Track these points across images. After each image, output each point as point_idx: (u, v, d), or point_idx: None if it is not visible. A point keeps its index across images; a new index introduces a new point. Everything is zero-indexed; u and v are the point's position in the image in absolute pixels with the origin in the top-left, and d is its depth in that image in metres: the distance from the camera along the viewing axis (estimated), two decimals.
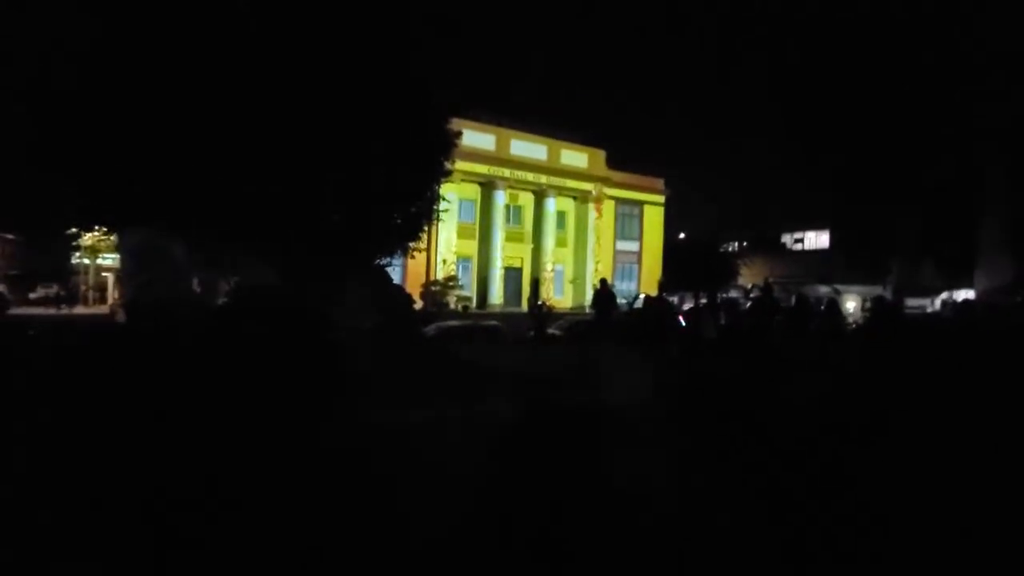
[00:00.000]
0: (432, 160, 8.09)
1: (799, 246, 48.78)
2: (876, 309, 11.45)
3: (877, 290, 26.50)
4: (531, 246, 33.25)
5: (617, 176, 35.62)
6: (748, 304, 15.37)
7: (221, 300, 10.64)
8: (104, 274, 27.59)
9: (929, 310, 25.24)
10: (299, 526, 3.25)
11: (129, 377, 5.58)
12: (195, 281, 10.55)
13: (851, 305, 27.66)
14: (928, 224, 26.53)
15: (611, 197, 35.74)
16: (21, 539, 2.97)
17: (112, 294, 25.84)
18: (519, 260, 32.97)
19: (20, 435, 4.56)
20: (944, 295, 26.94)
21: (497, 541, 3.21)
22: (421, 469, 4.39)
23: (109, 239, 22.98)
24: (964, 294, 24.51)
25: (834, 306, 12.06)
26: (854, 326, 15.31)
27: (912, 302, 23.55)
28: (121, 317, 11.34)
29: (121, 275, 14.78)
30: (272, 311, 7.24)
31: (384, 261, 8.96)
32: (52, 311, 22.54)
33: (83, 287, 27.43)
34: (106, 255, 25.97)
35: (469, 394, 6.66)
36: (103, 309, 23.72)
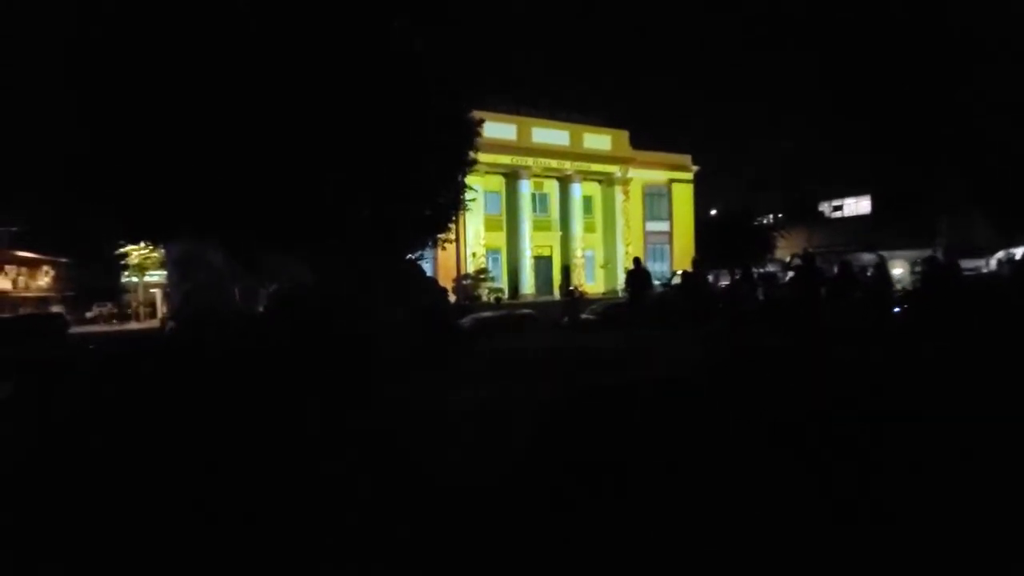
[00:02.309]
0: (456, 151, 8.10)
1: (838, 213, 46.86)
2: (927, 271, 10.88)
3: (926, 254, 25.22)
4: (559, 233, 33.04)
5: (642, 156, 34.95)
6: (789, 276, 14.89)
7: (261, 307, 10.97)
8: (152, 290, 28.84)
9: (984, 270, 23.87)
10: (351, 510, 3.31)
11: (187, 383, 5.81)
12: (236, 290, 10.93)
13: (898, 271, 26.40)
14: (979, 179, 24.97)
15: (638, 178, 35.15)
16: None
17: (161, 309, 26.98)
18: (548, 248, 32.83)
19: (92, 436, 4.81)
20: (1000, 253, 25.41)
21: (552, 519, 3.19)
22: (477, 447, 4.42)
23: (154, 255, 24.02)
24: (1021, 251, 23.06)
25: (883, 268, 11.54)
26: (903, 293, 14.63)
27: (966, 263, 22.31)
28: (173, 328, 11.82)
29: (167, 287, 15.42)
30: (310, 311, 7.41)
31: (416, 255, 9.05)
32: (107, 328, 23.71)
33: (134, 304, 28.74)
34: (152, 272, 27.13)
35: (513, 377, 6.67)
36: (154, 323, 24.79)
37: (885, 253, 30.16)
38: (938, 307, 9.70)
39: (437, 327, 8.03)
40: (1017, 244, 24.79)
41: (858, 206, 45.32)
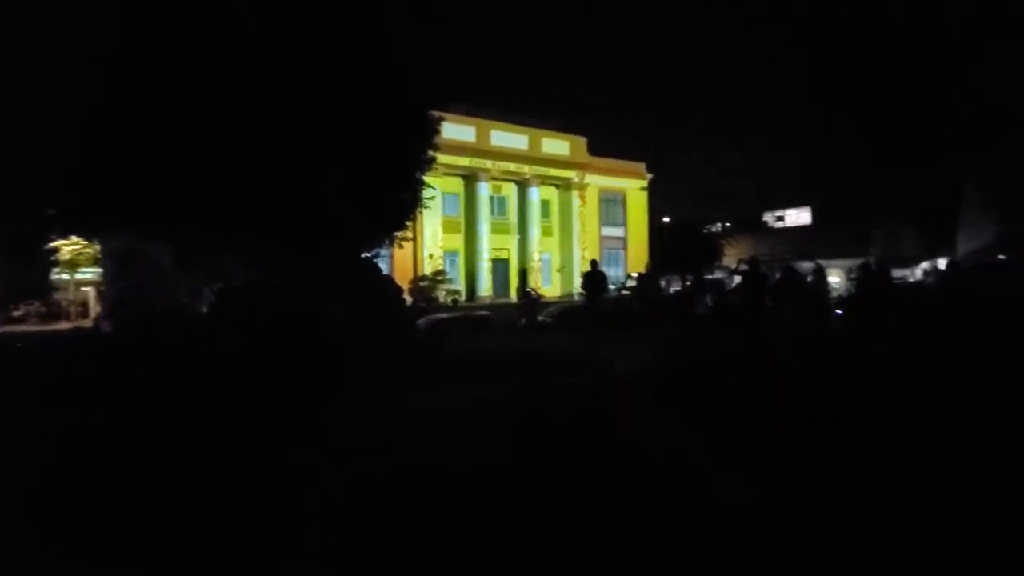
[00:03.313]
0: (416, 148, 8.01)
1: (781, 224, 49.38)
2: (862, 276, 11.62)
3: (860, 262, 26.76)
4: (517, 237, 33.20)
5: (599, 162, 35.64)
6: (736, 280, 15.52)
7: (204, 308, 10.45)
8: (84, 288, 27.06)
9: (911, 279, 25.68)
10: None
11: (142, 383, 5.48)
12: (179, 290, 10.38)
13: (835, 279, 27.96)
14: (908, 194, 27.00)
15: (594, 184, 35.81)
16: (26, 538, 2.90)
17: (94, 307, 25.36)
18: (506, 251, 32.92)
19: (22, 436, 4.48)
20: (925, 264, 27.40)
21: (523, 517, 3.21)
22: (454, 448, 4.39)
23: (87, 251, 22.52)
24: (945, 260, 24.92)
25: (821, 275, 12.22)
26: (839, 299, 15.54)
27: (895, 272, 23.89)
28: (107, 327, 11.15)
29: (101, 285, 14.49)
30: (262, 311, 7.15)
31: (372, 253, 8.87)
32: (35, 327, 22.13)
33: (64, 302, 26.87)
34: (85, 270, 25.45)
35: (473, 379, 6.67)
36: (85, 323, 23.24)
37: (823, 262, 31.93)
38: (872, 311, 10.36)
39: (395, 327, 7.92)
40: (939, 256, 26.84)
41: (799, 217, 47.94)
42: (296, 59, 6.48)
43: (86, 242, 19.74)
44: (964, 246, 22.21)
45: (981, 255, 19.40)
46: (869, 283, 11.25)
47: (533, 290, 21.08)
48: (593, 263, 11.53)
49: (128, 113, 6.26)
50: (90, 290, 26.34)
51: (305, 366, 5.60)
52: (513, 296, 30.07)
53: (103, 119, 6.30)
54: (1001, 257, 18.36)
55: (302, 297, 7.06)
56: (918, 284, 22.09)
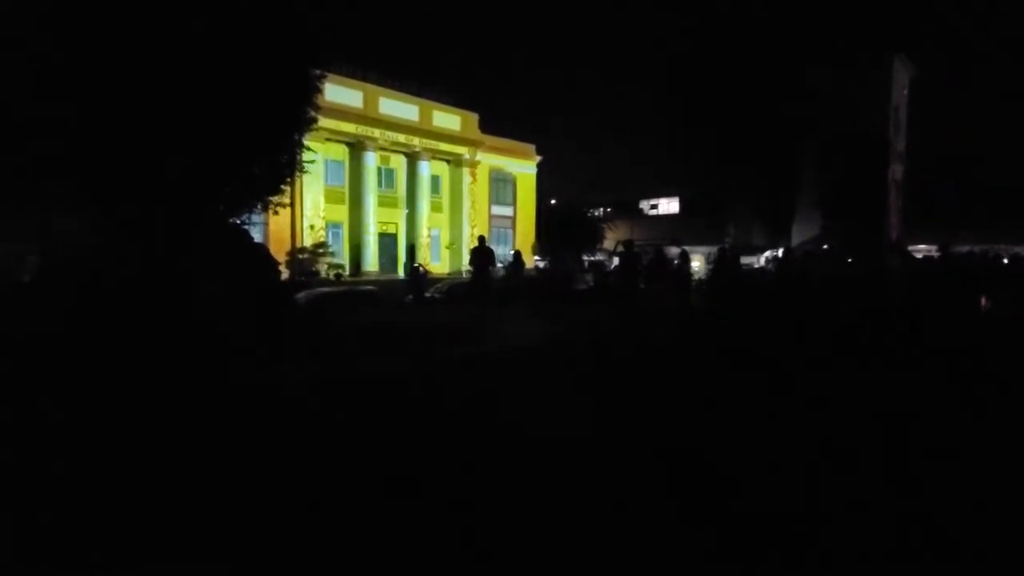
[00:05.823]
0: (294, 104, 7.34)
1: (654, 211, 53.67)
2: (718, 258, 13.13)
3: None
4: (406, 211, 32.33)
5: (491, 141, 35.71)
6: (615, 262, 16.62)
7: (27, 277, 8.89)
8: None
9: (756, 266, 29.50)
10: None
11: None
12: None
13: (696, 264, 31.25)
14: (758, 190, 30.83)
15: (485, 162, 35.87)
16: None
17: None
18: (393, 226, 31.95)
19: None
20: (768, 253, 31.58)
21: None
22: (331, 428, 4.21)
23: None
24: (782, 250, 28.97)
25: (686, 258, 13.55)
26: (698, 282, 17.44)
27: (744, 259, 27.33)
28: None
29: None
30: (101, 283, 6.24)
31: (242, 219, 8.04)
32: None
33: None
34: None
35: (362, 352, 6.45)
36: None
37: (688, 247, 35.41)
38: (724, 292, 11.84)
39: (269, 299, 7.34)
40: (779, 247, 31.07)
41: (670, 206, 52.44)
42: None
43: None
44: (798, 237, 25.89)
45: (809, 246, 22.75)
46: (724, 268, 12.76)
47: (421, 266, 20.78)
48: (481, 239, 11.61)
49: None
50: None
51: (155, 343, 5.00)
52: (401, 272, 29.37)
53: None
54: (824, 247, 21.70)
55: (153, 265, 6.25)
56: (760, 270, 25.45)
